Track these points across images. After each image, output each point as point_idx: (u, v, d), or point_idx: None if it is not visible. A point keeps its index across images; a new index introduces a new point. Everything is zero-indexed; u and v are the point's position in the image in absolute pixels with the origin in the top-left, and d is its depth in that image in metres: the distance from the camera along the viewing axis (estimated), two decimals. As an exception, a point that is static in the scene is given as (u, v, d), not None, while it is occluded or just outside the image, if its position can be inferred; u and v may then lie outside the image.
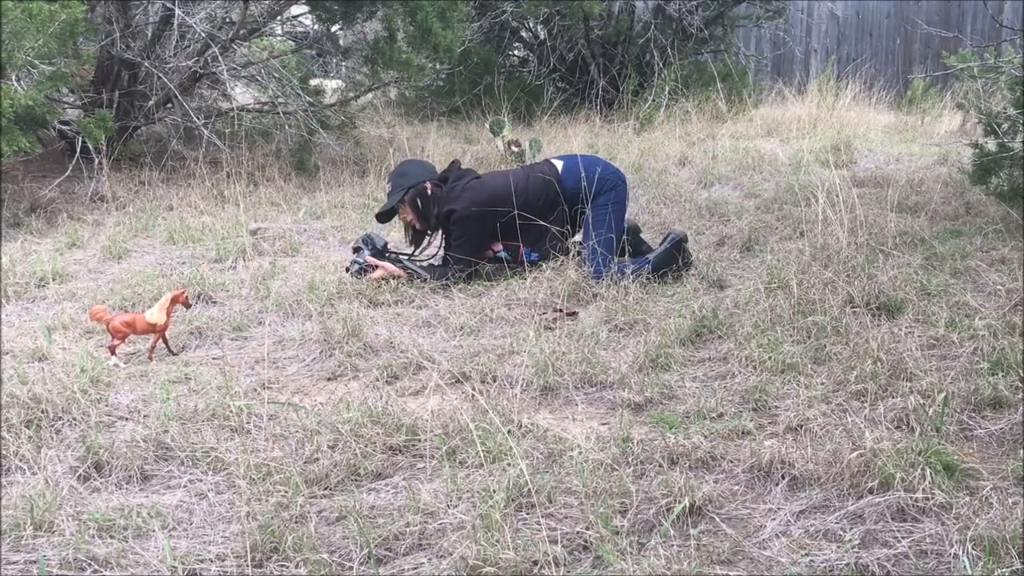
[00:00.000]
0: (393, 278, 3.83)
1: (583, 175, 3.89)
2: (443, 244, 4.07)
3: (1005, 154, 4.50)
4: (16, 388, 2.63)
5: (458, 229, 3.90)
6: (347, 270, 3.92)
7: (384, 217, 4.10)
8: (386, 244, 4.00)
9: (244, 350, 3.19)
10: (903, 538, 1.96)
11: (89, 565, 1.92)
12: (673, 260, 3.85)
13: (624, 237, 3.97)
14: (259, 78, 6.38)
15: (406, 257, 4.02)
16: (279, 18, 6.88)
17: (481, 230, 3.91)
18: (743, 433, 2.47)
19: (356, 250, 3.95)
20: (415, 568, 1.92)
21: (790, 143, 7.28)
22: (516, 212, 3.80)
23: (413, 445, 2.43)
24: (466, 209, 3.87)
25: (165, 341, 3.14)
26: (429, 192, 3.93)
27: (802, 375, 2.79)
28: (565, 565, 1.89)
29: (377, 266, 3.85)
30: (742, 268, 4.08)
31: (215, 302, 3.67)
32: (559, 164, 4.04)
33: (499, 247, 4.00)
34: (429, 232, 4.07)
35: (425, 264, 3.99)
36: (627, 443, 2.39)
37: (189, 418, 2.58)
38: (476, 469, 2.27)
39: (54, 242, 4.54)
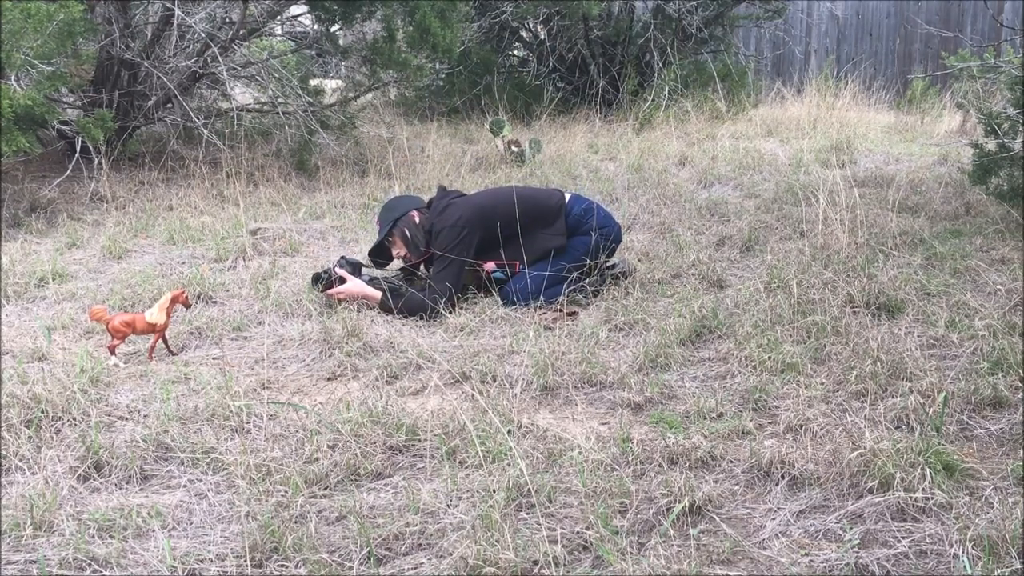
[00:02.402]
0: (359, 299, 3.57)
1: (587, 205, 3.82)
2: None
3: (1005, 154, 4.50)
4: (16, 388, 2.63)
5: (440, 243, 3.61)
6: (313, 280, 3.67)
7: (375, 254, 3.84)
8: (360, 264, 3.73)
9: (244, 350, 3.19)
10: (903, 538, 1.96)
11: (89, 565, 1.92)
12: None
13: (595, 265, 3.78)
14: (259, 78, 6.37)
15: (380, 277, 3.79)
16: (279, 18, 6.89)
17: (465, 246, 3.60)
18: (743, 433, 2.47)
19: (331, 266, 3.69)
20: (415, 568, 1.92)
21: (790, 143, 7.28)
22: (500, 230, 3.62)
23: (413, 445, 2.43)
24: (446, 222, 3.63)
25: (165, 341, 3.14)
26: (416, 221, 3.71)
27: (802, 375, 2.79)
28: (565, 565, 1.89)
29: (345, 279, 3.58)
30: (742, 268, 4.08)
31: (215, 302, 3.67)
32: (568, 195, 3.89)
33: (491, 266, 3.72)
34: (421, 267, 3.87)
35: (402, 288, 3.68)
36: (627, 443, 2.39)
37: (189, 418, 2.58)
38: (476, 469, 2.27)
39: (54, 242, 4.53)
